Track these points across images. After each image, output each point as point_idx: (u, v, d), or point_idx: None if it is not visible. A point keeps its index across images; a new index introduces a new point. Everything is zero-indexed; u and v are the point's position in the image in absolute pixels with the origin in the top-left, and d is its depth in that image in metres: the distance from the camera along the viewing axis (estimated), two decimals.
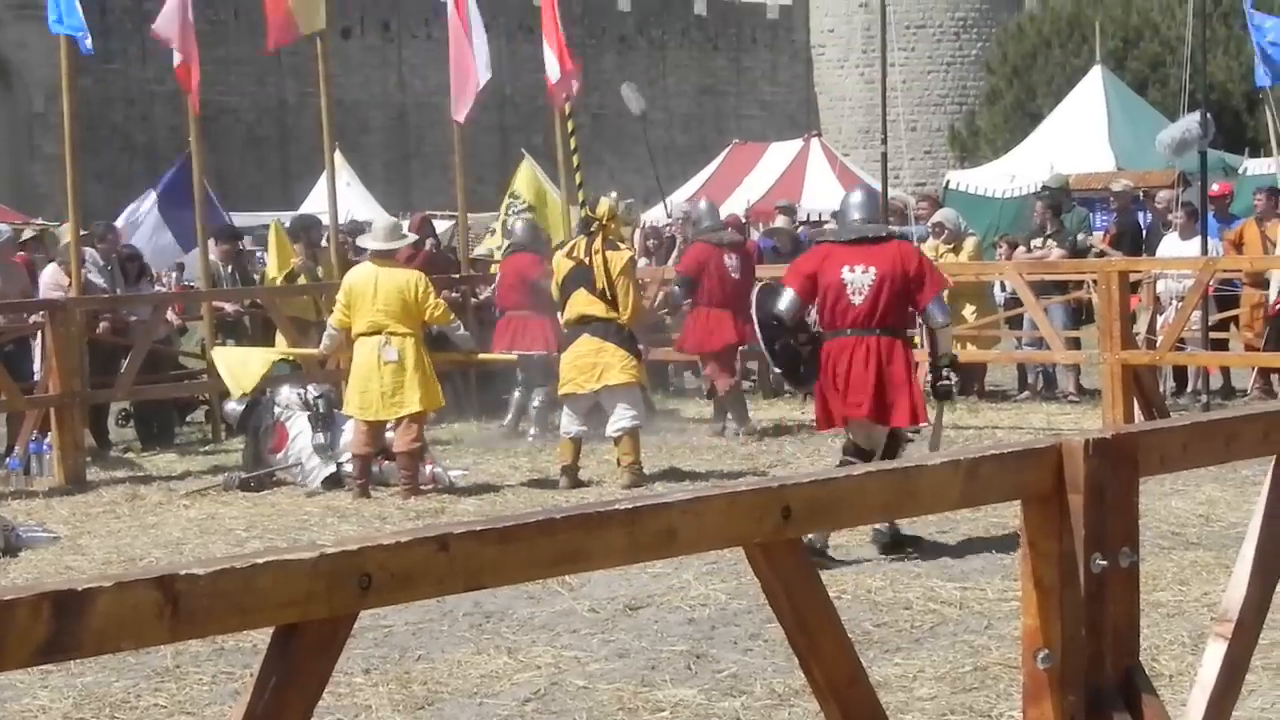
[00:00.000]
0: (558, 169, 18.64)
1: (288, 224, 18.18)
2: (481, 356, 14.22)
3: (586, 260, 12.44)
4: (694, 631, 7.85)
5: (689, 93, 59.70)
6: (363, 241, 13.49)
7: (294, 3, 16.02)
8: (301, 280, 16.57)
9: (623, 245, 13.14)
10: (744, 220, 22.34)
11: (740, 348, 15.26)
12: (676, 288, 15.60)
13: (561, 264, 12.76)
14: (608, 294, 12.39)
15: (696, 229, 15.91)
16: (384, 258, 12.39)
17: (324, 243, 17.15)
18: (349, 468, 12.57)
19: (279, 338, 15.49)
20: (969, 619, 7.95)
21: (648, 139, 24.99)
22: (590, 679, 7.10)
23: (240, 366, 13.09)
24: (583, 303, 12.44)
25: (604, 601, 8.41)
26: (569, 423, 12.60)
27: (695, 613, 8.21)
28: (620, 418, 12.37)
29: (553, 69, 17.40)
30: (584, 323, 12.46)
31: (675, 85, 59.48)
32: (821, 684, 3.50)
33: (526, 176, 20.31)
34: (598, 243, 12.47)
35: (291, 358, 14.86)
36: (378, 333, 12.09)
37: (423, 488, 12.20)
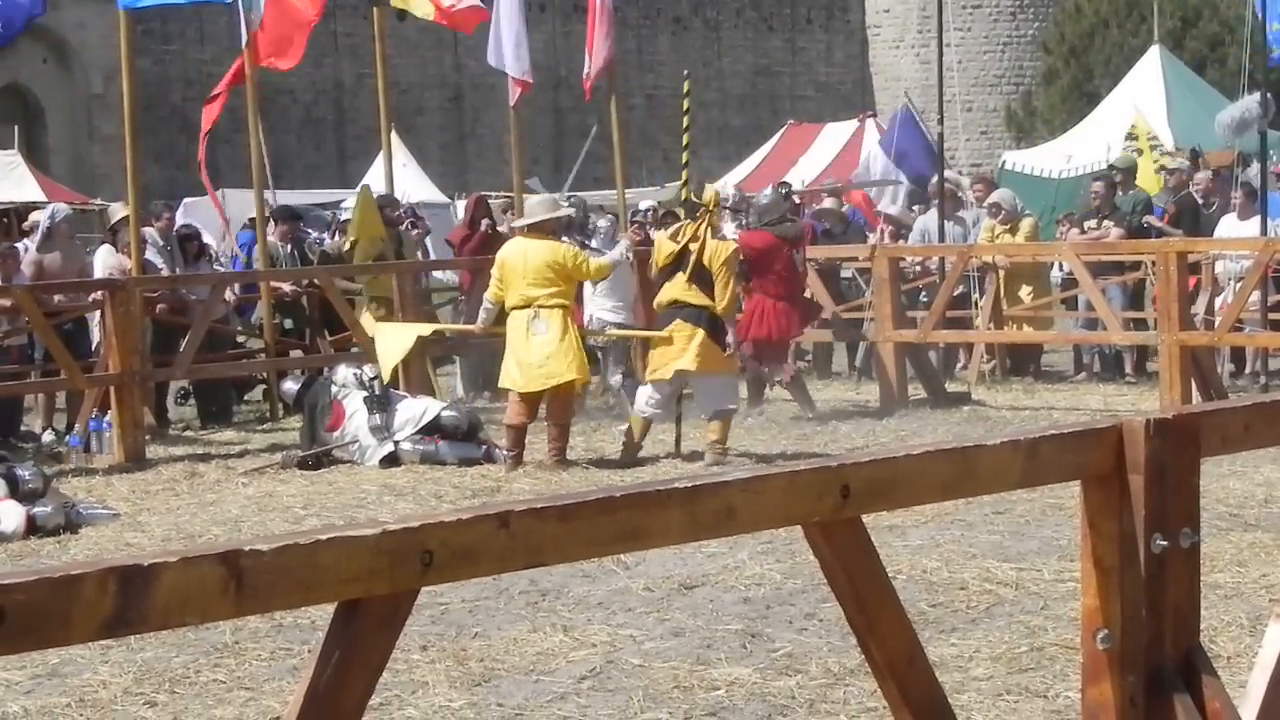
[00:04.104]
0: (614, 151, 18.63)
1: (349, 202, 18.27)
2: (621, 334, 14.61)
3: (690, 247, 12.45)
4: (749, 611, 7.86)
5: (744, 74, 59.53)
6: (516, 223, 13.67)
7: None
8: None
9: (728, 236, 13.11)
10: (797, 202, 22.26)
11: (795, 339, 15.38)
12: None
13: (664, 246, 12.75)
14: (703, 281, 12.39)
15: (760, 218, 15.55)
16: (535, 231, 12.47)
17: (405, 226, 17.22)
18: (406, 446, 12.65)
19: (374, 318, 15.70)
20: (1025, 599, 7.93)
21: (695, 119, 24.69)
22: (646, 657, 7.12)
23: (396, 340, 13.26)
24: (678, 288, 12.46)
25: (659, 580, 8.42)
26: (644, 403, 12.62)
27: (750, 592, 8.22)
28: (716, 400, 12.45)
29: (599, 55, 17.42)
30: (676, 307, 12.48)
31: (730, 66, 59.32)
32: (880, 663, 3.50)
33: None
34: (701, 229, 12.49)
35: (447, 333, 15.15)
36: (528, 306, 12.21)
37: (506, 462, 12.31)
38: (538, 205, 12.89)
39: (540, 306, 12.18)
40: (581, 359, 12.31)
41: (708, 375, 12.46)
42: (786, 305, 14.83)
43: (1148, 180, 21.60)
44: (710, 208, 12.67)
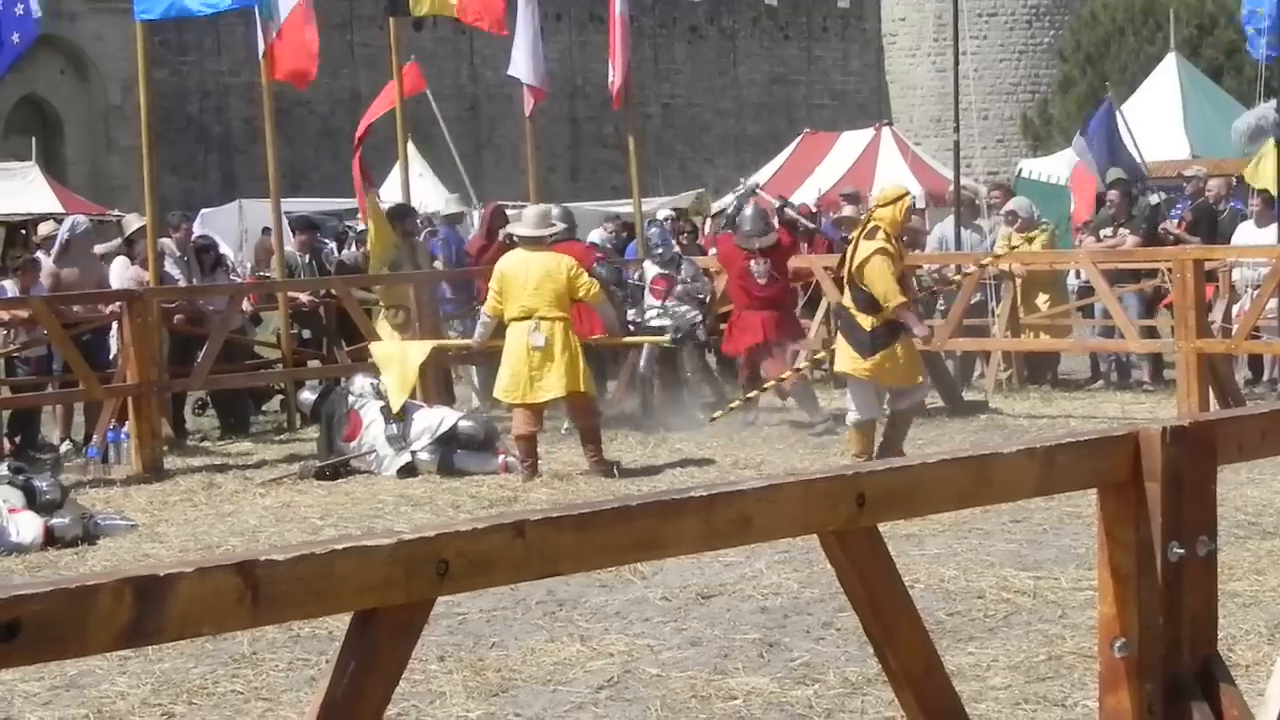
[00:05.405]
0: (629, 159, 18.66)
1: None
2: (627, 340, 14.63)
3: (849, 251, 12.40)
4: (766, 620, 7.85)
5: (760, 82, 59.54)
6: (513, 229, 13.67)
7: None
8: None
9: (880, 238, 12.03)
10: (814, 210, 22.25)
11: (777, 346, 15.21)
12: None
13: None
14: (855, 288, 12.28)
15: (738, 232, 15.62)
16: (534, 244, 12.50)
17: (421, 236, 17.21)
18: (423, 455, 12.66)
19: (375, 322, 15.65)
20: (1043, 608, 7.92)
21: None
22: (663, 667, 7.11)
23: (400, 368, 13.23)
24: (841, 288, 12.51)
25: (676, 590, 8.42)
26: (855, 410, 12.48)
27: (767, 601, 8.21)
28: (853, 405, 12.53)
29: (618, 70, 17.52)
30: (842, 309, 12.54)
31: (746, 75, 59.34)
32: (897, 672, 3.50)
33: None
34: (858, 234, 12.36)
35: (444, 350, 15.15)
36: (528, 317, 12.24)
37: (507, 473, 12.31)
38: (534, 218, 12.84)
39: (541, 318, 12.20)
40: (580, 370, 12.30)
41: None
42: (748, 315, 14.90)
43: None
44: (877, 206, 12.37)
